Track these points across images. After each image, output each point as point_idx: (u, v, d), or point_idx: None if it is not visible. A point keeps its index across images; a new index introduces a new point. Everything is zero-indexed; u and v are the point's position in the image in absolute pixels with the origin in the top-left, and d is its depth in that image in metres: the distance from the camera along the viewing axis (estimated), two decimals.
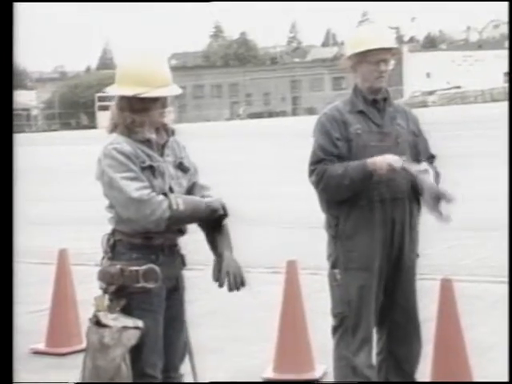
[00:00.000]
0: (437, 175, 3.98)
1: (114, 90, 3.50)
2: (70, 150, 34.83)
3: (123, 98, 3.48)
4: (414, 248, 4.08)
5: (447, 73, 74.76)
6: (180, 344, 3.65)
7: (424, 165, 3.93)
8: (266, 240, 10.32)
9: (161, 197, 3.41)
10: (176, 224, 3.46)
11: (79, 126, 78.06)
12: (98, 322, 3.45)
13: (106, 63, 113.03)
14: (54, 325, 5.80)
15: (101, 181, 3.48)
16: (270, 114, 75.24)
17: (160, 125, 3.54)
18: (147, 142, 3.49)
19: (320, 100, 63.80)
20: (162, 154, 3.53)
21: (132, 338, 3.41)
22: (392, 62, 4.01)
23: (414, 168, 3.87)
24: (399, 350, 4.08)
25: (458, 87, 71.53)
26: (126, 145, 3.45)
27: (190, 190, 3.60)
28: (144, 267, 3.44)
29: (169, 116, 3.56)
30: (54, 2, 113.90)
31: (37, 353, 5.78)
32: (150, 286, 3.44)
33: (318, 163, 3.92)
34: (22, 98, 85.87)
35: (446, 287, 4.28)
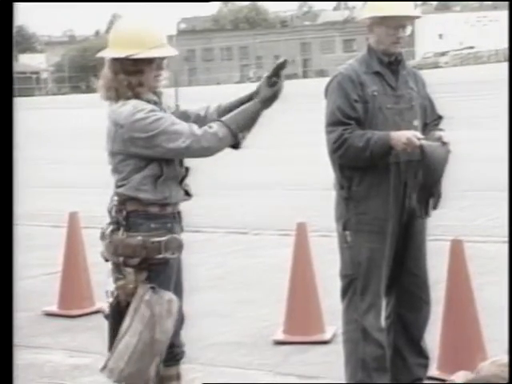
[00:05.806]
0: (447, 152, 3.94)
1: (106, 53, 3.40)
2: (79, 113, 34.76)
3: (116, 61, 3.36)
4: None
5: (460, 34, 73.86)
6: (181, 311, 3.53)
7: (443, 135, 3.89)
8: (276, 202, 10.31)
9: (213, 128, 3.36)
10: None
11: (89, 90, 77.84)
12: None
13: None
14: (66, 287, 5.84)
15: (134, 143, 3.30)
16: None
17: (155, 89, 3.42)
18: (154, 104, 3.38)
19: (331, 62, 63.32)
20: None
21: (176, 308, 3.32)
22: (409, 28, 3.96)
23: (434, 138, 3.83)
24: (407, 314, 4.06)
25: (471, 47, 70.71)
26: (150, 105, 3.34)
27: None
28: (166, 237, 3.31)
29: (162, 80, 3.44)
30: (55, 1, 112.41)
31: (49, 315, 5.84)
32: (172, 256, 3.34)
33: (336, 125, 3.86)
34: (32, 61, 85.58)
35: (457, 248, 4.27)
